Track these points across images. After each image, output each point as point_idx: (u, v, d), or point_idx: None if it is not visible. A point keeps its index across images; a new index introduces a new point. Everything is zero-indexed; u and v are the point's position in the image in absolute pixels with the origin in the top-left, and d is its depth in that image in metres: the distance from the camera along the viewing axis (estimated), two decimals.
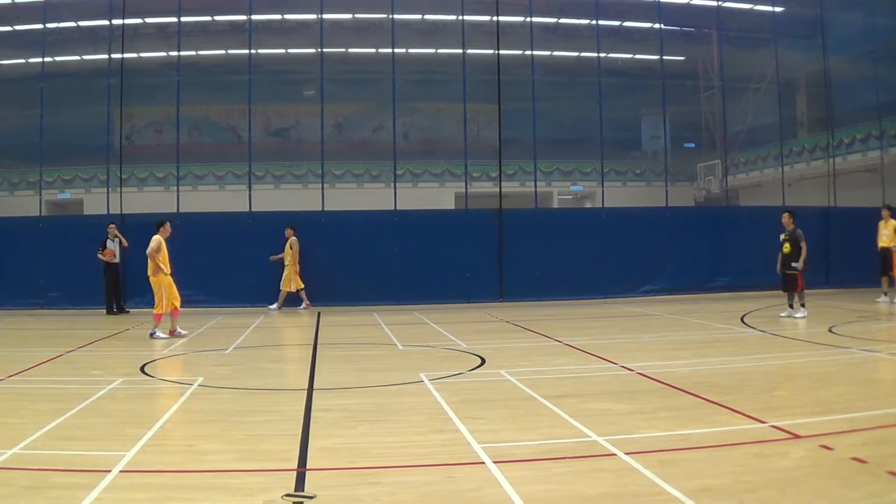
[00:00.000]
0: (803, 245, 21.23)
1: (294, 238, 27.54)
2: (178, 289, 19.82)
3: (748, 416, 9.46)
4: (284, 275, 27.53)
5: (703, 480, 7.08)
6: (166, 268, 19.69)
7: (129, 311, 26.79)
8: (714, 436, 8.65)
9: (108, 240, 26.31)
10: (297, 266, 27.60)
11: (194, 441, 8.96)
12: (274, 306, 27.67)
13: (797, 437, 8.48)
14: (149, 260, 19.60)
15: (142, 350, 17.33)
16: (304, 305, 27.82)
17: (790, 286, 21.42)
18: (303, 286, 27.71)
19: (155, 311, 19.63)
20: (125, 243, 26.45)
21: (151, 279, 19.71)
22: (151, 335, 19.30)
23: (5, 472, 7.70)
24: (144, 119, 40.31)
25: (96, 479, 7.34)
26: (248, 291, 27.91)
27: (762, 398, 10.73)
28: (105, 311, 26.40)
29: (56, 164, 36.75)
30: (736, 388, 11.34)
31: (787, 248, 21.39)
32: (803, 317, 20.80)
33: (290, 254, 27.43)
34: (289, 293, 27.80)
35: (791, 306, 21.43)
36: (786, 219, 21.71)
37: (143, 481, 7.47)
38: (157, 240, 19.69)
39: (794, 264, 21.15)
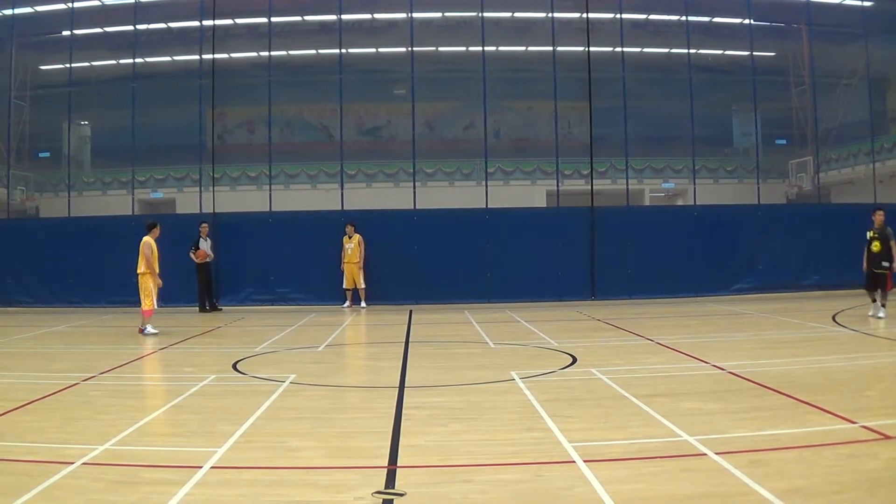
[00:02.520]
0: (893, 244, 20.82)
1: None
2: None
3: (839, 417, 9.37)
4: (359, 273, 27.81)
5: (793, 481, 7.03)
6: (156, 268, 20.34)
7: (221, 309, 27.19)
8: (804, 436, 8.57)
9: (201, 239, 26.67)
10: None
11: (286, 438, 9.06)
12: (363, 304, 27.90)
13: (887, 437, 8.38)
14: (142, 259, 20.28)
15: (234, 347, 17.60)
16: (347, 304, 28.13)
17: (880, 284, 20.94)
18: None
19: (144, 309, 20.20)
20: (212, 256, 26.88)
21: (140, 277, 20.38)
22: (142, 331, 19.84)
23: (97, 467, 7.86)
24: (236, 119, 40.63)
25: (187, 475, 7.48)
26: (340, 289, 28.06)
27: (853, 398, 10.60)
28: (198, 308, 26.79)
29: (148, 164, 37.22)
30: (827, 388, 11.23)
31: (876, 245, 20.87)
32: (884, 317, 20.39)
33: (359, 250, 27.76)
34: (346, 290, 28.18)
35: (874, 302, 21.07)
36: (879, 217, 21.28)
37: (233, 477, 7.59)
38: (150, 244, 20.41)
39: (884, 263, 20.76)
